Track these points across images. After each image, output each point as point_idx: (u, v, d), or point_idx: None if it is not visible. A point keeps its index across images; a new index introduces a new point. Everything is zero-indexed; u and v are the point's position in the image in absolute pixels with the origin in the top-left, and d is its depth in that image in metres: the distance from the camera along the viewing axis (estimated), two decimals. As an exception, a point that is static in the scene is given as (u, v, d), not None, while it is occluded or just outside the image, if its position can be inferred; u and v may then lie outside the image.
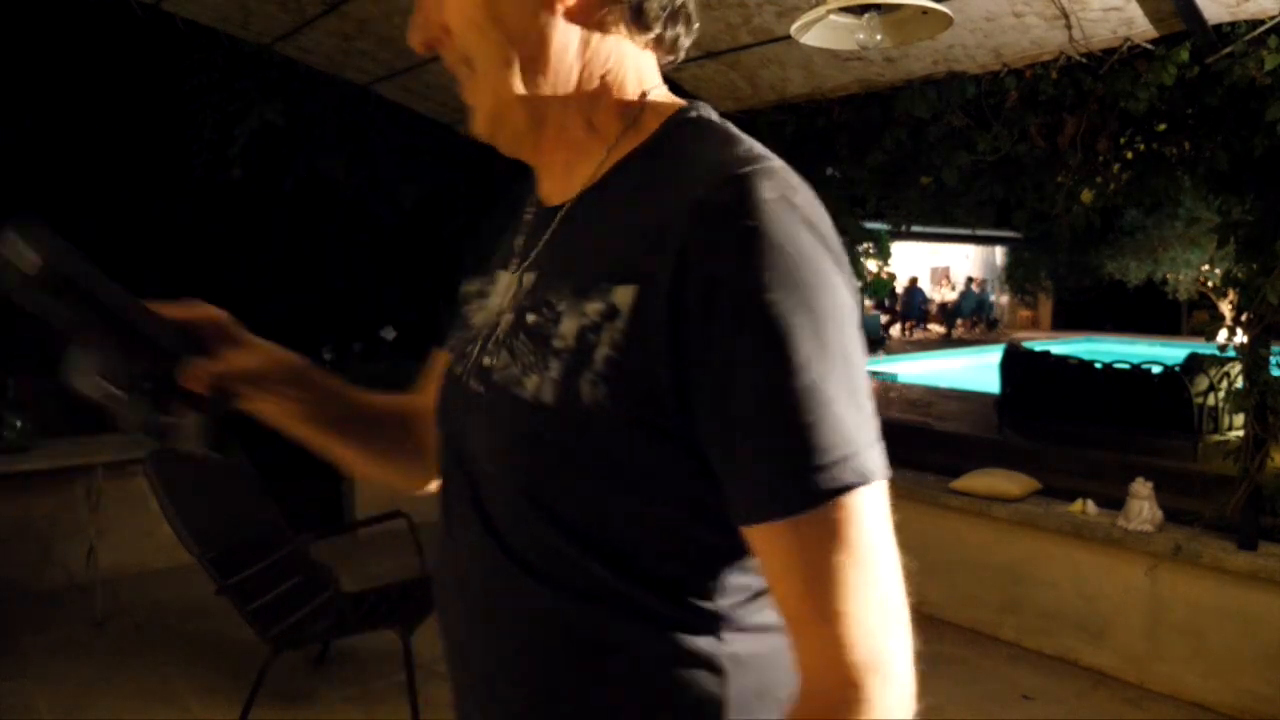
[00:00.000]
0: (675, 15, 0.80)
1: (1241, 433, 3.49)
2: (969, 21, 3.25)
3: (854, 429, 0.65)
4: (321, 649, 3.71)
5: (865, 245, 16.61)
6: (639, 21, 0.77)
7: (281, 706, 3.32)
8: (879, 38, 2.45)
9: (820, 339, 0.65)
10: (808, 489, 0.64)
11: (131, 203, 5.93)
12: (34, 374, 5.11)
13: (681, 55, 0.85)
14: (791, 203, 0.68)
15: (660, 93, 0.82)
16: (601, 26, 0.77)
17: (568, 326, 0.72)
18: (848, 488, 0.64)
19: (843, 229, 5.55)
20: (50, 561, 4.52)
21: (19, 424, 4.10)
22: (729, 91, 4.35)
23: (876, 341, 17.19)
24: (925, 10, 2.33)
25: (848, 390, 0.66)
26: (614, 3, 0.76)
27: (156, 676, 3.60)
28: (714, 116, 0.80)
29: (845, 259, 0.70)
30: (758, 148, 0.74)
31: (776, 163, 0.72)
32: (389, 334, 5.60)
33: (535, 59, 0.76)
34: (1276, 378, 3.32)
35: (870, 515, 0.66)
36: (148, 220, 6.02)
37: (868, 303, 18.74)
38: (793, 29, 2.47)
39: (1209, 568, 3.43)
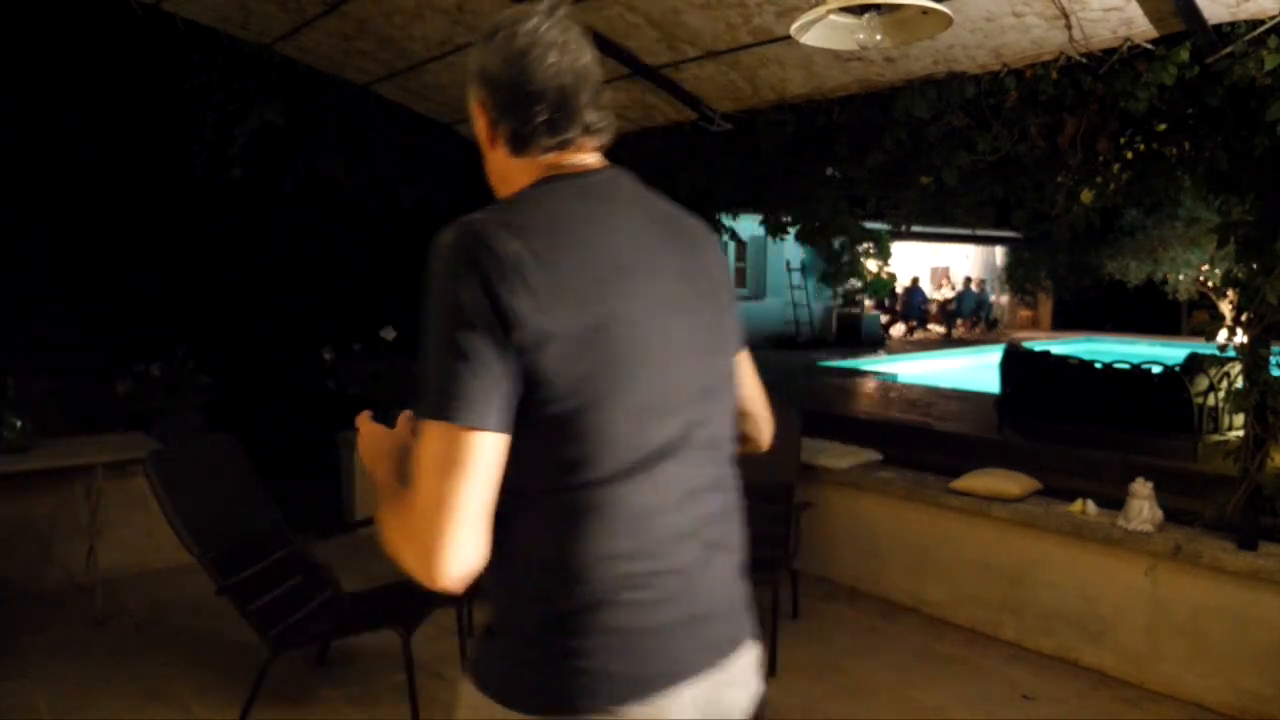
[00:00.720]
0: (553, 125, 1.21)
1: (1241, 433, 3.49)
2: (969, 21, 3.25)
3: (438, 388, 1.06)
4: (321, 649, 3.71)
5: (865, 245, 16.57)
6: (521, 150, 1.24)
7: (281, 706, 3.32)
8: (879, 38, 2.45)
9: (433, 326, 1.09)
10: (418, 411, 1.09)
11: (131, 203, 5.94)
12: (34, 374, 5.11)
13: (601, 135, 1.25)
14: (445, 242, 1.11)
15: (555, 168, 1.23)
16: (507, 155, 1.25)
17: None
18: (429, 417, 1.06)
19: (843, 229, 5.57)
20: (50, 561, 4.53)
21: (19, 424, 4.10)
22: (729, 91, 4.35)
23: (876, 341, 17.17)
24: (925, 10, 2.33)
25: (439, 361, 1.07)
26: (504, 146, 1.25)
27: (156, 676, 3.60)
28: (534, 189, 1.20)
29: (497, 274, 1.06)
30: (480, 213, 1.14)
31: (468, 220, 1.12)
32: (389, 334, 5.60)
33: (498, 176, 1.30)
34: (1276, 378, 3.32)
35: (436, 440, 1.05)
36: (148, 220, 6.03)
37: (868, 303, 18.72)
38: (793, 29, 2.47)
39: (1209, 568, 3.43)
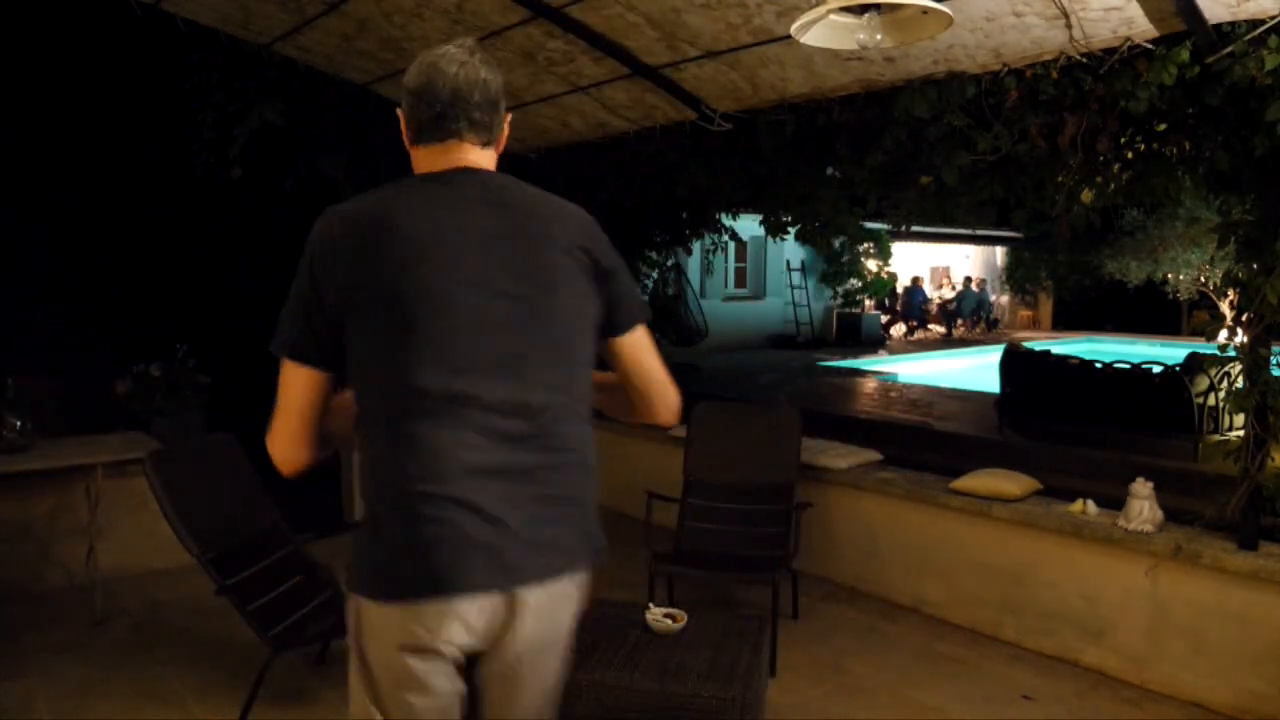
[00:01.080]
0: (444, 117, 1.50)
1: (1241, 433, 3.49)
2: (969, 21, 3.24)
3: (282, 336, 1.48)
4: (321, 649, 3.71)
5: (865, 245, 16.53)
6: (421, 139, 1.54)
7: (281, 706, 3.32)
8: (879, 38, 2.45)
9: (292, 288, 1.48)
10: (271, 346, 1.49)
11: (132, 203, 5.93)
12: (34, 374, 5.11)
13: (486, 131, 1.54)
14: (312, 229, 1.48)
15: (432, 165, 1.54)
16: (414, 147, 1.57)
17: None
18: (275, 353, 1.49)
19: (842, 229, 5.58)
20: (50, 561, 4.53)
21: (19, 424, 4.10)
22: (729, 91, 4.35)
23: (876, 341, 17.15)
24: (925, 10, 2.33)
25: (287, 315, 1.48)
26: (412, 140, 1.56)
27: (156, 676, 3.60)
28: (389, 184, 1.51)
29: (320, 252, 1.46)
30: (340, 204, 1.49)
31: (326, 212, 1.49)
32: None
33: (415, 169, 1.58)
34: (1276, 378, 3.32)
35: (283, 372, 1.48)
36: (148, 220, 6.02)
37: (868, 303, 18.70)
38: (793, 29, 2.47)
39: (1209, 568, 3.43)
